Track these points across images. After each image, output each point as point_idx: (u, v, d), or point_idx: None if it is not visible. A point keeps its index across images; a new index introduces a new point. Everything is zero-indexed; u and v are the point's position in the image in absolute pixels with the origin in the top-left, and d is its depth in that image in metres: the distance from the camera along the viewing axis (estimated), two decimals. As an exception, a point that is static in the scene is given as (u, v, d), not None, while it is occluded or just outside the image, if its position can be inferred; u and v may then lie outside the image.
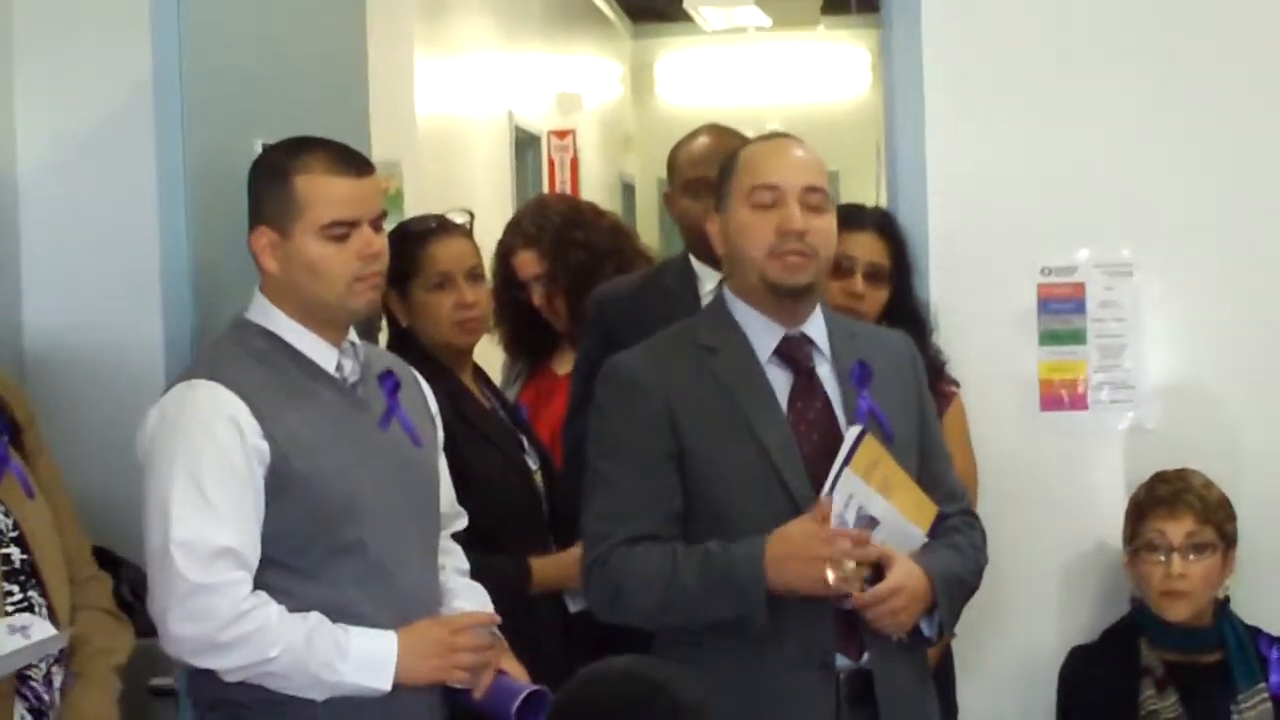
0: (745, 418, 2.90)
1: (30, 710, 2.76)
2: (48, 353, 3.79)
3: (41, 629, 2.71)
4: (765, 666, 2.87)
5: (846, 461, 2.82)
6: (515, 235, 4.46)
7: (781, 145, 3.06)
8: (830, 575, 2.77)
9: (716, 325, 3.03)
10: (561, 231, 4.39)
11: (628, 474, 2.92)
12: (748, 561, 2.80)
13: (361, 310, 2.97)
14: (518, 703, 2.89)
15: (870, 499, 2.87)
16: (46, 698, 2.79)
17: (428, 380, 3.26)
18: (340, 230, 2.88)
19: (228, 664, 2.78)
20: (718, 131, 3.89)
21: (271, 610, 2.78)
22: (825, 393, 2.98)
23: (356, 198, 2.90)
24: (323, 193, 2.88)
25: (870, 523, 2.87)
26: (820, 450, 2.89)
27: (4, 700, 2.71)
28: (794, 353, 2.98)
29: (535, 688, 2.93)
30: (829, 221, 2.98)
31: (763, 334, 2.99)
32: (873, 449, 2.87)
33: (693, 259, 3.86)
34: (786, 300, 2.96)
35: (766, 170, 2.98)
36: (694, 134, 3.95)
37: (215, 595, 2.74)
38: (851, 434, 2.86)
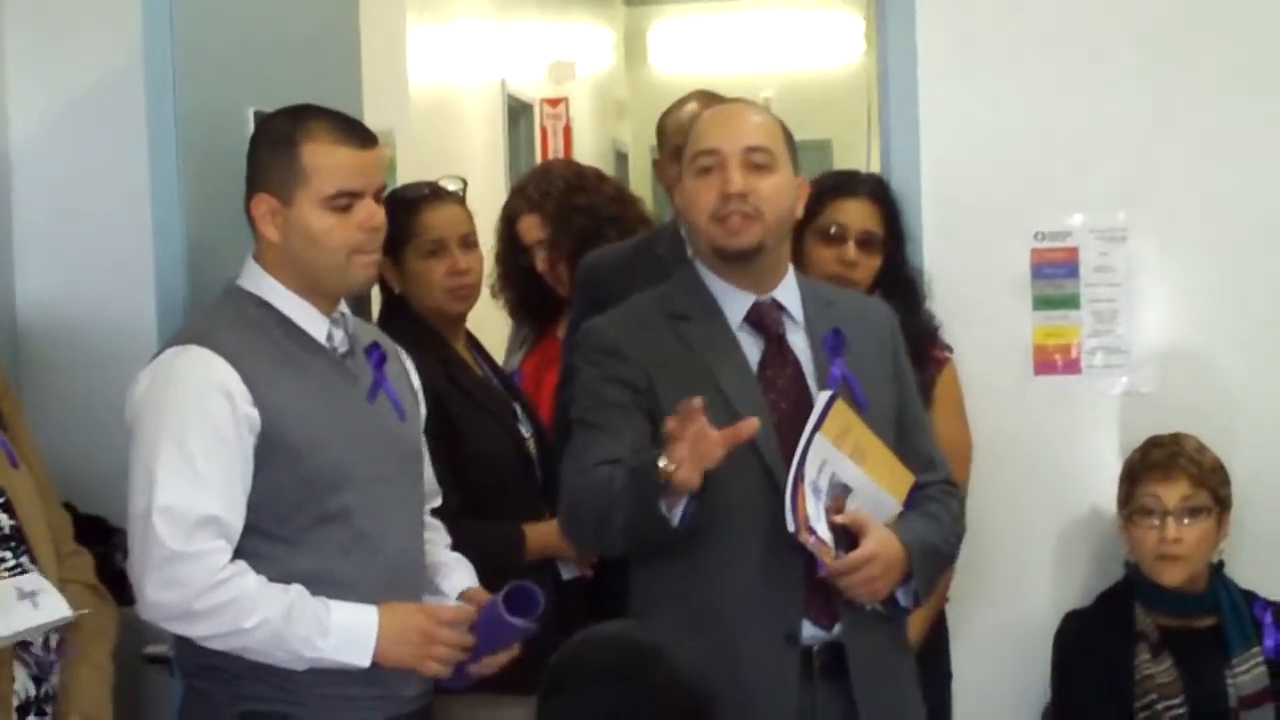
0: (717, 384, 2.86)
1: (32, 678, 2.76)
2: (40, 325, 3.78)
3: (49, 598, 2.71)
4: (728, 636, 2.83)
5: (818, 426, 2.79)
6: (519, 200, 4.45)
7: (723, 110, 3.04)
8: None
9: (688, 293, 3.00)
10: (564, 197, 4.38)
11: (607, 420, 2.88)
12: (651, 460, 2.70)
13: (361, 283, 2.97)
14: (502, 596, 2.85)
15: (842, 465, 2.84)
16: (46, 663, 2.79)
17: (420, 348, 3.25)
18: (344, 201, 2.86)
19: (202, 632, 2.78)
20: (705, 98, 3.88)
21: (249, 580, 2.76)
22: (796, 359, 2.95)
23: (362, 169, 2.89)
24: (329, 162, 2.86)
25: (844, 490, 2.85)
26: (790, 417, 2.85)
27: (4, 667, 2.71)
28: (763, 318, 2.96)
29: (515, 583, 2.88)
30: (775, 182, 2.91)
31: (733, 301, 2.96)
32: (844, 414, 2.84)
33: (682, 227, 3.85)
34: (737, 265, 2.93)
35: (707, 136, 2.94)
36: (682, 101, 3.95)
37: (193, 563, 2.73)
38: (822, 399, 2.83)
